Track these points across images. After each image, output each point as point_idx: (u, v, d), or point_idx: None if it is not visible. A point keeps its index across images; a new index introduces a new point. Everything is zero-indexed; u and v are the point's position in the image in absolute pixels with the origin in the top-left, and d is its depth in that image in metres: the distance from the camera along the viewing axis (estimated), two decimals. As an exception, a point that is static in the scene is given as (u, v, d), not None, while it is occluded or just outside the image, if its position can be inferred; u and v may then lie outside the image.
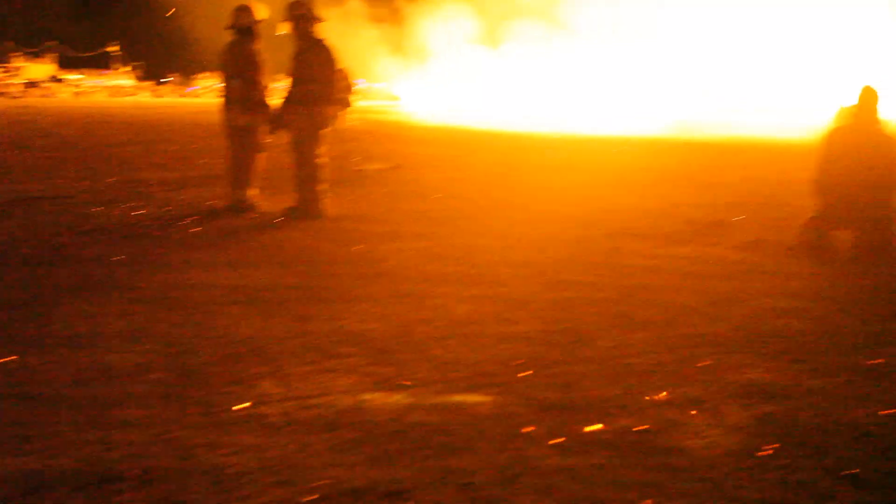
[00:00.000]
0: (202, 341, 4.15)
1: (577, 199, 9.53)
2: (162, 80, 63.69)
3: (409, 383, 3.58)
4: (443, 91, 49.05)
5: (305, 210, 7.86)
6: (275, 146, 8.52)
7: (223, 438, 2.96)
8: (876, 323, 4.72)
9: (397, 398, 3.41)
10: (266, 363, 3.82)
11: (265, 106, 8.18)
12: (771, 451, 2.91)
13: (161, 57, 60.61)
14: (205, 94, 53.25)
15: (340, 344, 4.12)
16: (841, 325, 4.66)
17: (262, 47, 8.27)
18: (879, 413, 3.33)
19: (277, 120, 8.06)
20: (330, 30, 8.54)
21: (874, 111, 6.80)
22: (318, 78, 7.80)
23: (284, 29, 7.96)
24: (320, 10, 8.14)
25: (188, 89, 60.75)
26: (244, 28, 8.16)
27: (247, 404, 3.30)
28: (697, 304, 5.03)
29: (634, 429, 3.11)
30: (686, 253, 6.66)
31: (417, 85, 50.56)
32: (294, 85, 7.97)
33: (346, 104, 8.33)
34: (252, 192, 8.27)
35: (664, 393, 3.50)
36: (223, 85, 8.37)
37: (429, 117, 31.32)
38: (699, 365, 3.87)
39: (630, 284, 5.54)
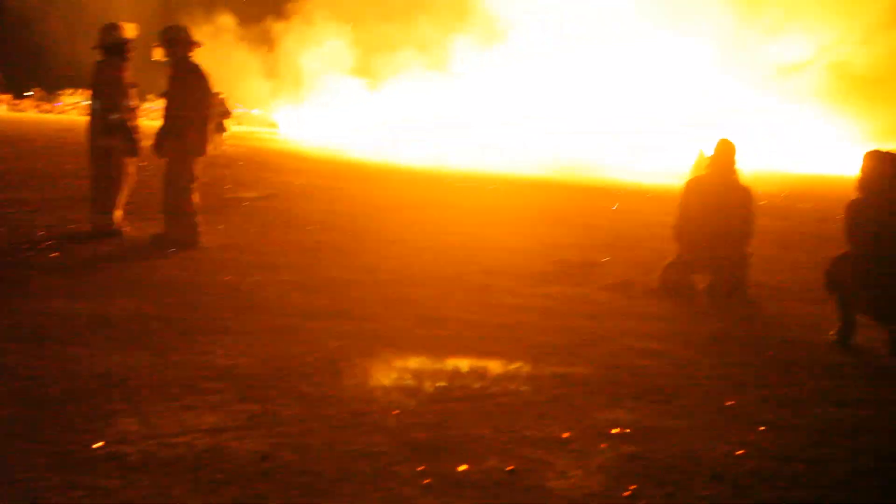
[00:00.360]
0: (57, 374, 3.94)
1: (451, 235, 9.62)
2: (23, 94, 60.47)
3: (276, 421, 3.51)
4: (322, 119, 48.86)
5: (174, 238, 7.61)
6: (143, 170, 8.23)
7: (78, 479, 2.81)
8: (730, 365, 4.97)
9: (264, 437, 3.33)
10: (126, 399, 3.66)
11: (130, 129, 7.87)
12: (631, 492, 3.01)
13: (20, 69, 57.55)
14: (70, 111, 50.98)
15: (206, 379, 4.00)
16: (698, 367, 4.88)
17: (131, 68, 7.97)
18: (735, 453, 3.50)
19: (152, 144, 7.79)
20: (206, 54, 8.37)
21: (731, 162, 7.21)
22: (193, 104, 7.61)
23: (159, 54, 7.73)
24: (196, 35, 7.97)
25: (55, 104, 57.96)
26: (112, 47, 7.86)
27: (103, 443, 3.14)
28: (564, 344, 5.16)
29: (502, 469, 3.15)
30: (555, 292, 6.84)
31: (296, 112, 50.15)
32: (168, 110, 7.75)
33: (222, 130, 8.17)
34: (117, 217, 7.93)
35: (531, 433, 3.56)
36: (89, 104, 8.05)
37: (306, 146, 31.04)
38: (565, 405, 3.97)
39: (500, 323, 5.64)
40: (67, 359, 4.19)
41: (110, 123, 7.71)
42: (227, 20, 45.57)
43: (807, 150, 39.39)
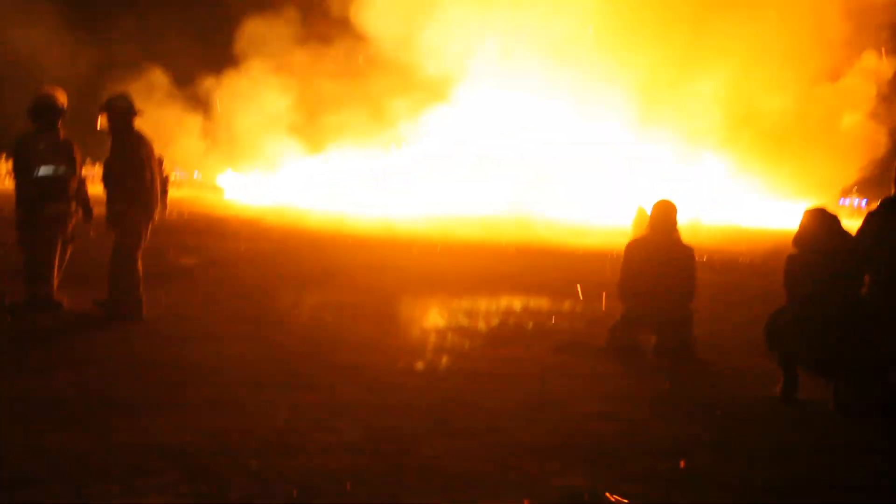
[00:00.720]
0: (-9, 459, 3.78)
1: (399, 298, 9.60)
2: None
3: (226, 502, 3.41)
4: (267, 182, 48.77)
5: (116, 308, 7.45)
6: (81, 239, 8.04)
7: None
8: (678, 426, 5.01)
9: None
10: (65, 483, 3.52)
11: (69, 196, 7.71)
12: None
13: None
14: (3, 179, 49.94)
15: (152, 459, 3.87)
16: (650, 428, 4.90)
17: (67, 135, 7.82)
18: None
19: (106, 214, 7.66)
20: (149, 119, 8.32)
21: (671, 222, 7.35)
22: (137, 172, 7.54)
23: (102, 122, 7.65)
24: (138, 103, 7.91)
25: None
26: (45, 115, 7.70)
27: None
28: (516, 409, 5.14)
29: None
30: (504, 354, 6.84)
31: (240, 175, 49.99)
32: (111, 178, 7.64)
33: (164, 196, 8.07)
34: (54, 288, 7.71)
35: (486, 503, 3.52)
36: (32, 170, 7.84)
37: (252, 209, 30.87)
38: (521, 474, 3.94)
39: (451, 388, 5.60)
40: (2, 442, 4.03)
41: (52, 191, 7.55)
42: (161, 79, 45.27)
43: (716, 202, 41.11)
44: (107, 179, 7.67)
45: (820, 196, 42.83)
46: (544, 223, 27.60)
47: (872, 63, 42.96)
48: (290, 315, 8.25)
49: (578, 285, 10.76)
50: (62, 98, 7.79)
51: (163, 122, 39.93)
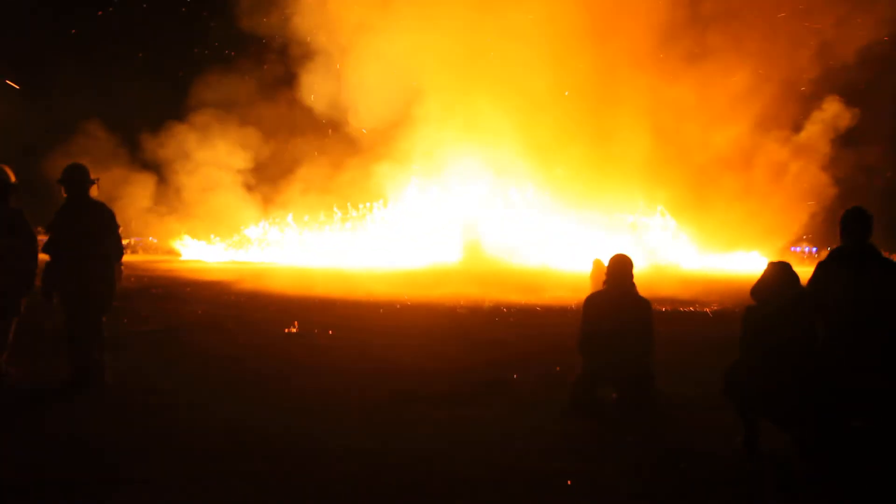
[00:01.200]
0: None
1: (360, 359, 9.55)
2: None
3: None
4: (224, 245, 48.54)
5: (77, 378, 7.35)
6: (33, 308, 7.89)
7: None
8: (645, 483, 5.03)
9: None
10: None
11: (15, 270, 7.59)
12: None
13: None
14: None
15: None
16: (616, 487, 4.91)
17: (18, 205, 7.72)
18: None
19: (49, 282, 7.55)
20: (105, 185, 8.28)
21: (628, 276, 7.45)
22: (96, 239, 7.54)
23: (62, 192, 7.66)
24: (93, 171, 7.89)
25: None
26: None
27: None
28: (479, 476, 5.10)
29: None
30: (466, 416, 6.80)
31: (198, 240, 49.62)
32: (68, 246, 7.56)
33: (119, 262, 7.97)
34: (3, 360, 7.53)
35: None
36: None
37: (209, 273, 30.54)
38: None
39: (416, 449, 5.57)
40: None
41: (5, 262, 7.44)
42: (110, 142, 44.81)
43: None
44: (61, 246, 7.58)
45: (767, 245, 44.19)
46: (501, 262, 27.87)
47: (826, 114, 44.56)
48: (246, 381, 8.13)
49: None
50: (8, 175, 7.70)
51: (115, 186, 39.68)
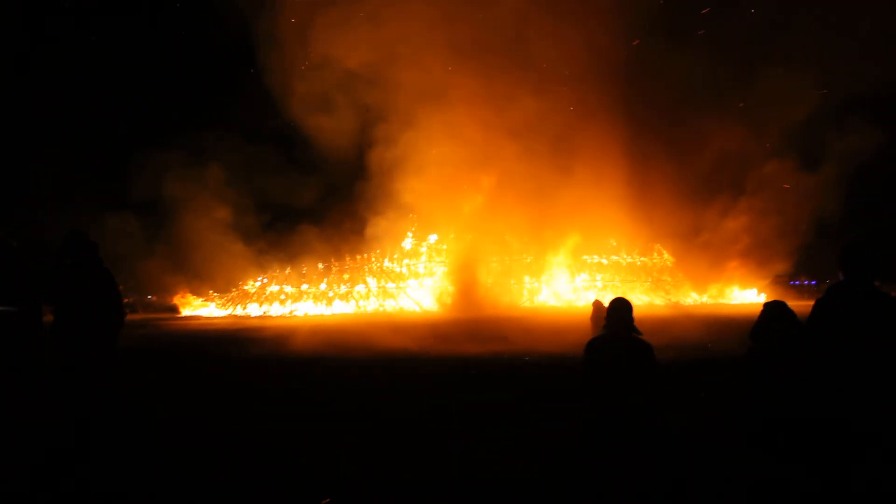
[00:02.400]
0: None
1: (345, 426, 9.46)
2: None
3: None
4: (226, 302, 48.48)
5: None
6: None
7: None
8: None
9: None
10: None
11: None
12: None
13: None
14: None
15: None
16: None
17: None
18: None
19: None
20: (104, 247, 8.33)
21: (627, 320, 7.43)
22: (100, 301, 7.57)
23: (65, 258, 7.71)
24: (93, 236, 7.94)
25: None
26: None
27: None
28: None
29: None
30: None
31: (197, 297, 49.56)
32: (74, 310, 7.58)
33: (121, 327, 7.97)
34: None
35: None
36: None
37: (207, 328, 30.45)
38: None
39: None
40: None
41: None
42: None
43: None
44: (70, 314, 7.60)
45: (755, 283, 44.47)
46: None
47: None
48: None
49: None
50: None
51: (123, 249, 39.87)
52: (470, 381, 13.01)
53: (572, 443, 7.17)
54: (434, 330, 23.65)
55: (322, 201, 45.77)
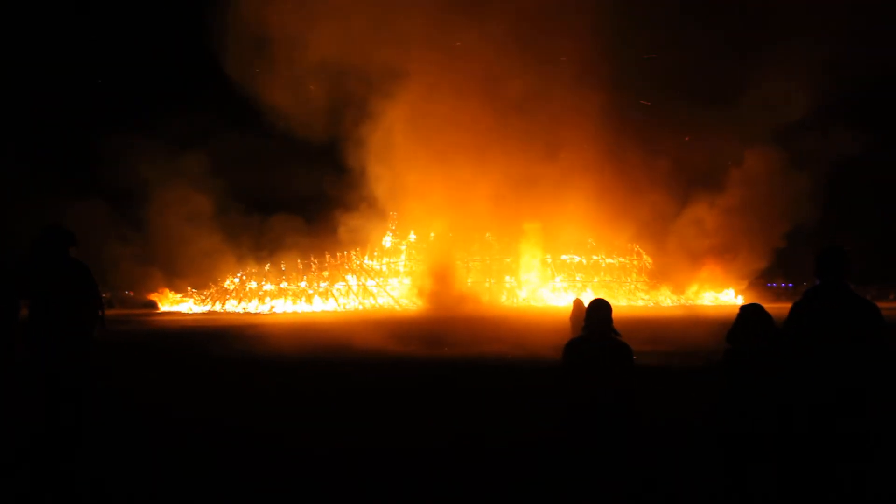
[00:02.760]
0: None
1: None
2: None
3: None
4: (205, 298, 48.19)
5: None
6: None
7: None
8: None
9: None
10: None
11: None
12: None
13: None
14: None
15: None
16: None
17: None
18: None
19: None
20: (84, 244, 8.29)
21: (607, 321, 7.48)
22: (76, 295, 7.51)
23: (42, 252, 7.63)
24: (73, 232, 7.89)
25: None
26: None
27: None
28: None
29: None
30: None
31: (176, 293, 49.21)
32: (49, 307, 7.52)
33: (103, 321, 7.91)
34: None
35: None
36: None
37: (183, 326, 30.27)
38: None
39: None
40: None
41: None
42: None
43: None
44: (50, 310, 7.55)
45: (732, 285, 44.93)
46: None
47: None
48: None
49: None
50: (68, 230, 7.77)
51: (102, 245, 39.54)
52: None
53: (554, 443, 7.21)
54: (399, 330, 23.45)
55: (302, 197, 45.60)
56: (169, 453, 7.62)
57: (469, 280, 45.54)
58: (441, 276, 40.62)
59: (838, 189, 44.10)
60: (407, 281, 46.51)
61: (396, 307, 42.11)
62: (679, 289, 47.54)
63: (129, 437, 8.22)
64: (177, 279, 48.83)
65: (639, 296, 46.96)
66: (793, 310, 6.30)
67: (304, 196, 45.38)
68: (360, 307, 44.23)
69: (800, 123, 42.96)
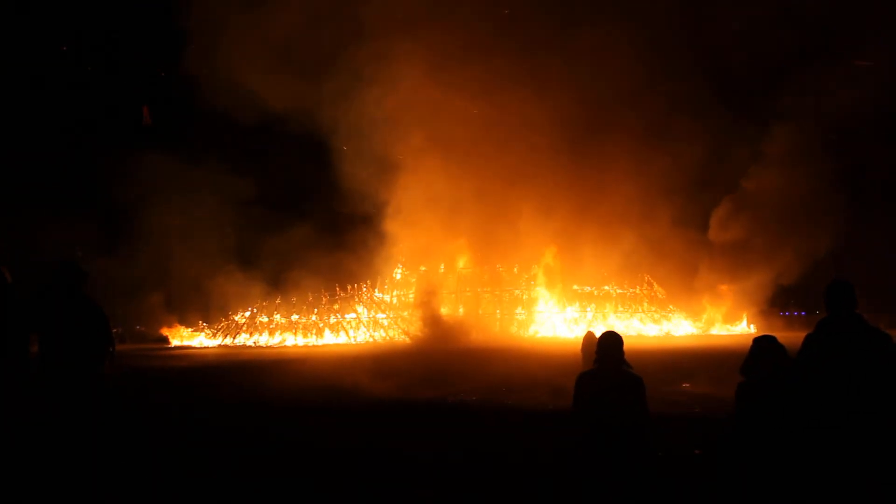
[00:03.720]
0: None
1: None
2: None
3: None
4: (216, 332, 48.22)
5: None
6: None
7: None
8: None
9: None
10: None
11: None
12: None
13: None
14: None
15: None
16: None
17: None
18: None
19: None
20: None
21: (618, 354, 7.44)
22: (87, 331, 7.56)
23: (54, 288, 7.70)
24: (84, 267, 7.93)
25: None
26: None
27: None
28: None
29: None
30: None
31: (186, 327, 49.25)
32: (63, 344, 7.54)
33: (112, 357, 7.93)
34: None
35: None
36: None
37: (202, 361, 30.28)
38: None
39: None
40: None
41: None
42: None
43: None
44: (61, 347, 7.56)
45: (737, 317, 44.62)
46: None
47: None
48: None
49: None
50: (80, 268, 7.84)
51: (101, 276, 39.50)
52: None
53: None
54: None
55: (313, 230, 45.66)
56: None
57: (480, 311, 45.49)
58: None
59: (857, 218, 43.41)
60: (417, 313, 46.55)
61: (406, 339, 42.01)
62: (691, 318, 47.26)
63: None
64: (187, 313, 48.89)
65: (650, 325, 46.74)
66: (805, 341, 6.27)
67: (316, 228, 45.48)
68: (371, 340, 44.15)
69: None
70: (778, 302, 49.12)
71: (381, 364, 22.62)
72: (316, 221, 45.13)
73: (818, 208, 41.97)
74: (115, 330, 8.03)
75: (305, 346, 41.64)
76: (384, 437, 10.69)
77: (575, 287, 47.93)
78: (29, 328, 7.67)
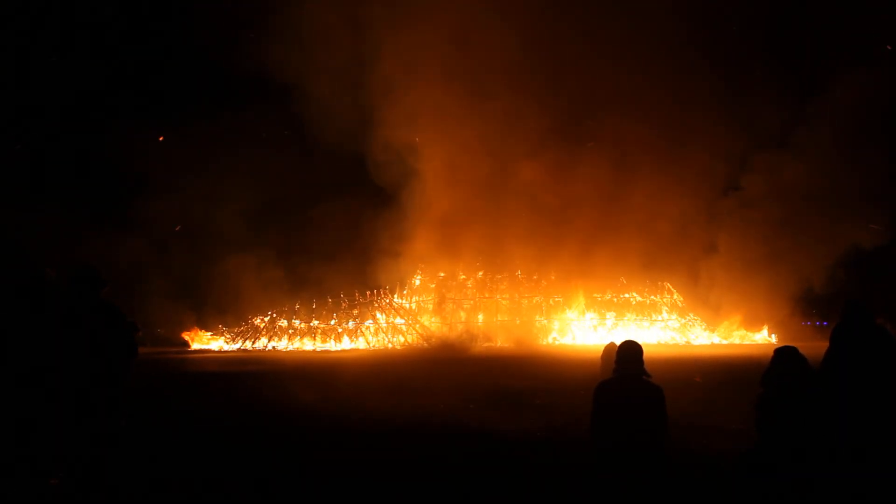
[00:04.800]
0: None
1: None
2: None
3: None
4: (236, 336, 48.37)
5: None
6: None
7: None
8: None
9: None
10: None
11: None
12: None
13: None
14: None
15: None
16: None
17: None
18: None
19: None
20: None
21: (638, 363, 7.40)
22: (113, 341, 7.55)
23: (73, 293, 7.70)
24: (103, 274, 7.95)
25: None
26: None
27: None
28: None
29: None
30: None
31: (206, 331, 49.44)
32: (80, 346, 7.55)
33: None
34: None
35: None
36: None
37: (215, 364, 30.38)
38: None
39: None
40: None
41: None
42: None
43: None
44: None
45: (757, 327, 44.15)
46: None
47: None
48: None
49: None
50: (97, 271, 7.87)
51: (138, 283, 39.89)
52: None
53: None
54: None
55: (332, 236, 45.81)
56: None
57: (498, 318, 45.44)
58: (470, 316, 40.58)
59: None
60: (436, 319, 46.57)
61: (425, 345, 41.99)
62: (711, 326, 46.91)
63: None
64: (207, 316, 49.06)
65: (669, 333, 46.45)
66: (828, 353, 6.26)
67: (336, 235, 45.63)
68: (390, 346, 44.17)
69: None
70: (799, 312, 48.63)
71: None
72: (338, 223, 45.33)
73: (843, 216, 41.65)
74: (137, 333, 7.97)
75: (324, 352, 41.70)
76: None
77: (596, 295, 47.82)
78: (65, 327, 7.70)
